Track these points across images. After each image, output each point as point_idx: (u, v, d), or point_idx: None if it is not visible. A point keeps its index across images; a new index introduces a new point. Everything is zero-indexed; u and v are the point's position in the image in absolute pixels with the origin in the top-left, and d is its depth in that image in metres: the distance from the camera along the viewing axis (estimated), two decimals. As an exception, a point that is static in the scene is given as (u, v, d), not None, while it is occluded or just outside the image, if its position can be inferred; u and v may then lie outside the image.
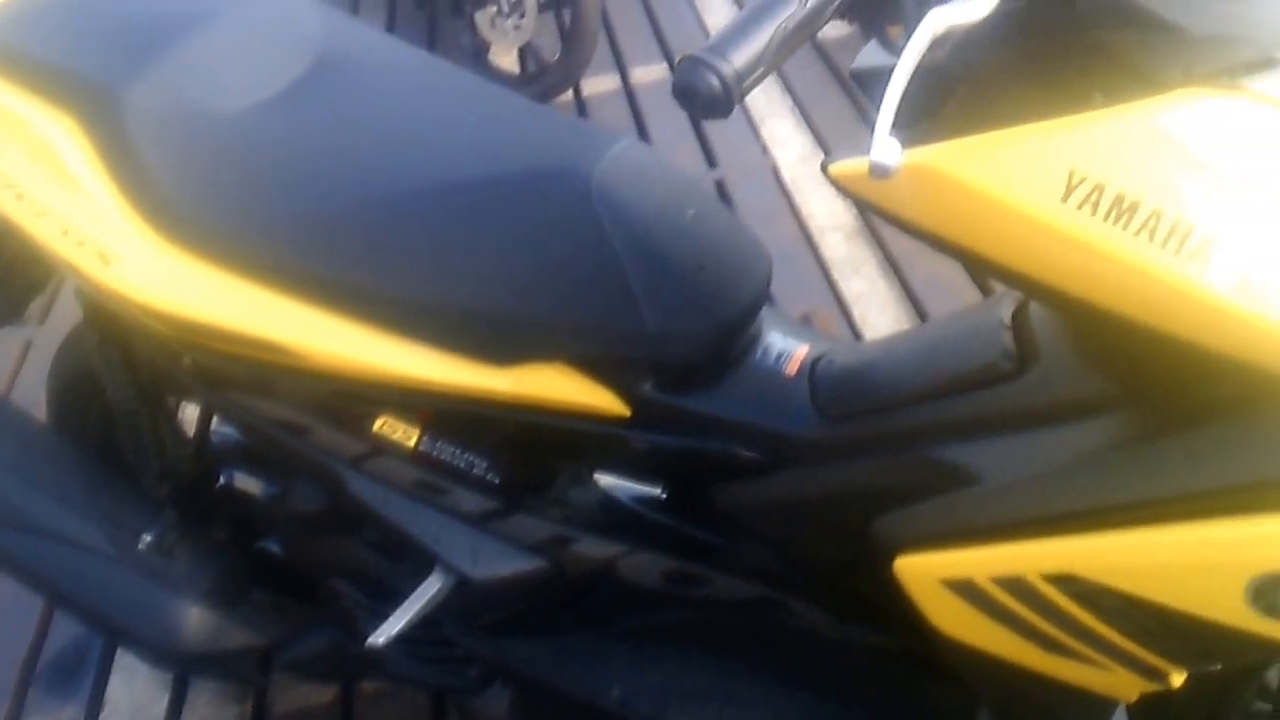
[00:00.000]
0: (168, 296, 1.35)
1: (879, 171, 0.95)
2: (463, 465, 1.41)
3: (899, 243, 2.78)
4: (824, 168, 1.06)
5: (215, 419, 1.64)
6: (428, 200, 1.32)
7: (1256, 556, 1.00)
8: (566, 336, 1.30)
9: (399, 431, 1.41)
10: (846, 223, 2.95)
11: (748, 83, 0.95)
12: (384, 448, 1.42)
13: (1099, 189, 0.93)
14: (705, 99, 0.94)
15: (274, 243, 1.33)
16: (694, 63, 0.94)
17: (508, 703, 1.56)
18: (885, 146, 0.94)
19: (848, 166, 1.02)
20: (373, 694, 1.95)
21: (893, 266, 2.79)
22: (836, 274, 2.80)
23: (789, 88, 3.47)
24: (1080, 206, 0.93)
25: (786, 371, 1.35)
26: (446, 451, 1.41)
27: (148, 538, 1.63)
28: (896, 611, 1.20)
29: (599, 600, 1.49)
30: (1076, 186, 0.94)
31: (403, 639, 1.45)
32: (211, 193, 1.35)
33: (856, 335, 2.61)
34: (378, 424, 1.41)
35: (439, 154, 1.37)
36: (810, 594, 1.37)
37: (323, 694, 1.96)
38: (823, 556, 1.33)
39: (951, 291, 2.62)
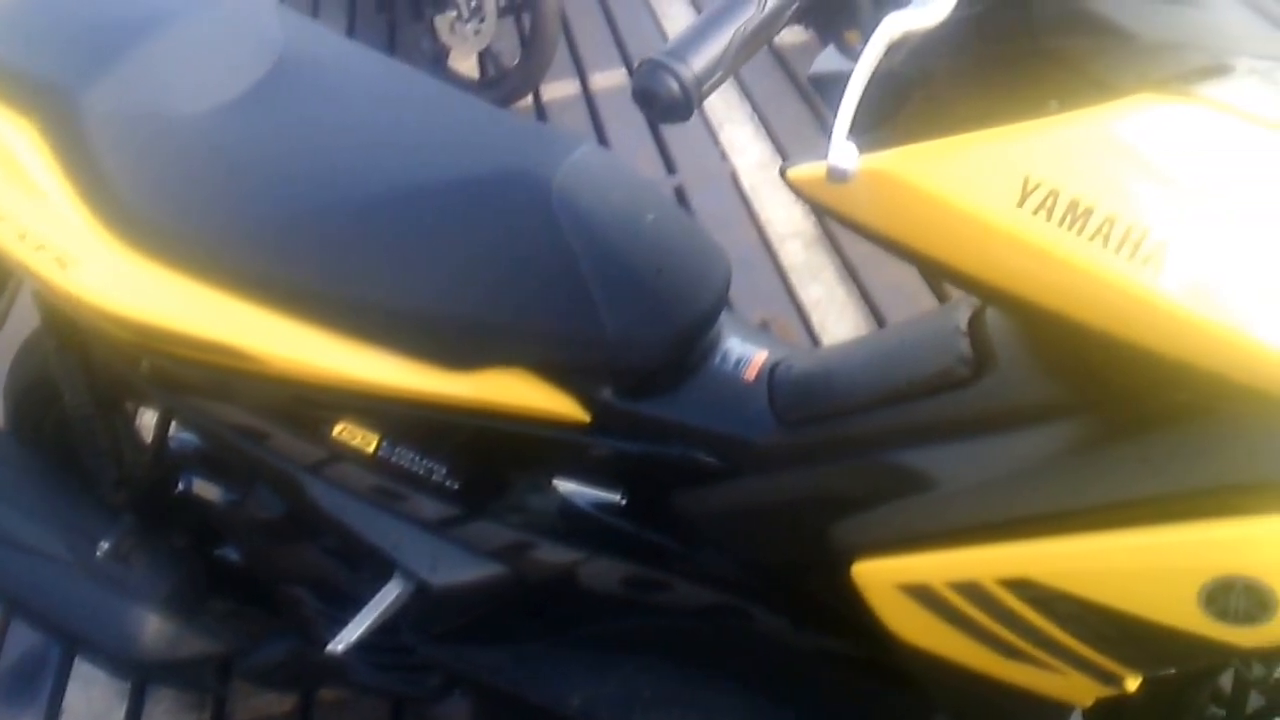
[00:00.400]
0: (125, 301, 1.33)
1: (836, 176, 0.94)
2: (422, 471, 1.39)
3: (857, 249, 2.78)
4: (782, 172, 1.05)
5: (174, 425, 1.61)
6: (387, 205, 1.30)
7: (1209, 561, 0.99)
8: (526, 342, 1.29)
9: (358, 437, 1.39)
10: (805, 229, 2.94)
11: (706, 86, 0.94)
12: (343, 454, 1.40)
13: (1054, 194, 0.92)
14: (665, 103, 0.93)
15: (233, 247, 1.31)
16: (653, 66, 0.93)
17: (467, 711, 1.54)
18: (842, 151, 0.93)
19: (806, 171, 1.01)
20: (332, 702, 1.92)
21: (851, 273, 2.78)
22: (795, 280, 2.79)
23: (748, 94, 3.47)
24: (1035, 212, 0.93)
25: (745, 377, 1.34)
26: (406, 457, 1.39)
27: (105, 545, 1.60)
28: (854, 617, 1.19)
29: (559, 607, 1.47)
30: (1031, 192, 0.93)
31: (362, 646, 1.42)
32: (170, 196, 1.33)
33: (815, 341, 2.60)
34: (337, 430, 1.39)
35: (398, 158, 1.35)
36: (770, 600, 1.36)
37: (282, 702, 1.93)
38: (782, 562, 1.33)
39: (909, 298, 2.62)
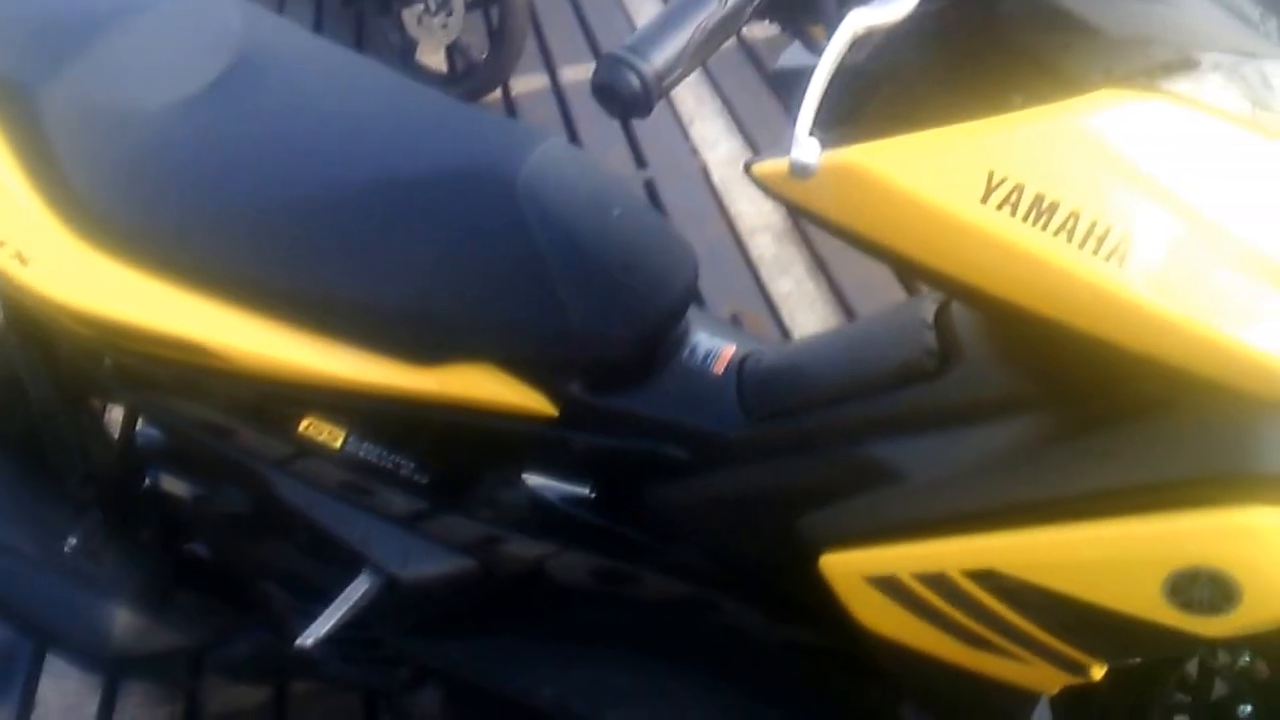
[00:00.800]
0: (87, 297, 1.31)
1: (799, 171, 0.93)
2: (390, 466, 1.37)
3: (827, 243, 2.77)
4: (747, 167, 1.04)
5: (140, 420, 1.59)
6: (351, 200, 1.29)
7: (1173, 552, 0.99)
8: (492, 337, 1.27)
9: (325, 433, 1.37)
10: (775, 223, 2.94)
11: (667, 82, 0.92)
12: (310, 449, 1.38)
13: (1018, 189, 0.92)
14: (625, 98, 0.92)
15: (194, 243, 1.29)
16: (614, 61, 0.92)
17: (439, 703, 1.53)
18: (805, 146, 0.93)
19: (770, 166, 1.01)
20: (305, 695, 1.90)
21: (821, 267, 2.78)
22: (765, 274, 2.79)
23: (718, 89, 3.46)
24: (1000, 207, 0.92)
25: (714, 371, 1.33)
26: (373, 452, 1.37)
27: (73, 541, 1.58)
28: (823, 609, 1.19)
29: (529, 600, 1.46)
30: (996, 187, 0.92)
31: (333, 640, 1.41)
32: (131, 192, 1.31)
33: (785, 335, 2.60)
34: (303, 425, 1.37)
35: (363, 153, 1.34)
36: (739, 592, 1.36)
37: (254, 695, 1.91)
38: (751, 554, 1.32)
39: (879, 292, 2.61)
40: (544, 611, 1.47)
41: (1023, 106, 0.94)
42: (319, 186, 1.30)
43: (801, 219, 2.52)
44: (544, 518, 1.39)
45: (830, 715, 1.40)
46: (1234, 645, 1.20)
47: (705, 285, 2.72)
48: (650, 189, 3.10)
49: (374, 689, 1.70)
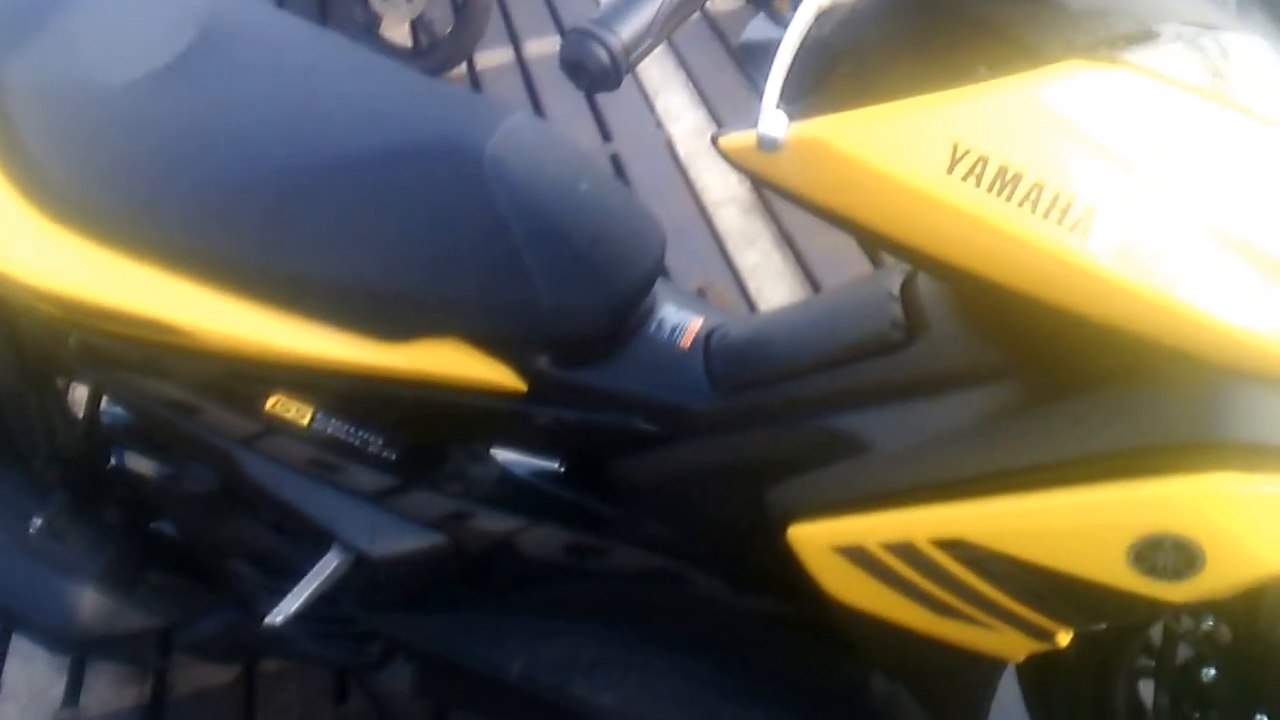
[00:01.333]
0: (51, 275, 1.30)
1: (766, 144, 0.93)
2: (358, 442, 1.36)
3: (793, 216, 2.77)
4: (714, 141, 1.04)
5: (105, 399, 1.58)
6: (316, 176, 1.28)
7: (1138, 520, 1.00)
8: (460, 312, 1.27)
9: (292, 410, 1.36)
10: (741, 196, 2.94)
11: (635, 55, 0.92)
12: (277, 427, 1.37)
13: (983, 161, 0.92)
14: (593, 72, 0.91)
15: (158, 220, 1.27)
16: (581, 36, 0.91)
17: (409, 678, 1.52)
18: (772, 119, 0.92)
19: (737, 139, 1.00)
20: (275, 673, 1.90)
21: (787, 240, 2.78)
22: (731, 247, 2.79)
23: (683, 62, 3.45)
24: (965, 178, 0.92)
25: (681, 344, 1.33)
26: (341, 429, 1.36)
27: (38, 521, 1.56)
28: (793, 580, 1.19)
29: (499, 574, 1.46)
30: (961, 159, 0.93)
31: (302, 617, 1.41)
32: (94, 170, 1.29)
33: (751, 308, 2.60)
34: (270, 403, 1.36)
35: (327, 129, 1.32)
36: (709, 564, 1.36)
37: (224, 674, 1.90)
38: (720, 527, 1.32)
39: (845, 264, 2.61)
40: (514, 586, 1.47)
41: (987, 78, 0.94)
42: (283, 163, 1.28)
43: (767, 191, 2.52)
44: (513, 492, 1.39)
45: (800, 685, 1.41)
46: (1197, 610, 1.21)
47: (672, 258, 2.72)
48: (616, 163, 3.09)
49: (344, 665, 1.69)
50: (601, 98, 3.28)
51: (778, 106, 0.93)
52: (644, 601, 1.44)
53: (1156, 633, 1.28)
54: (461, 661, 1.46)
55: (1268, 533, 0.98)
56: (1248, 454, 0.97)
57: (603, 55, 0.91)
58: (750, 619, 1.39)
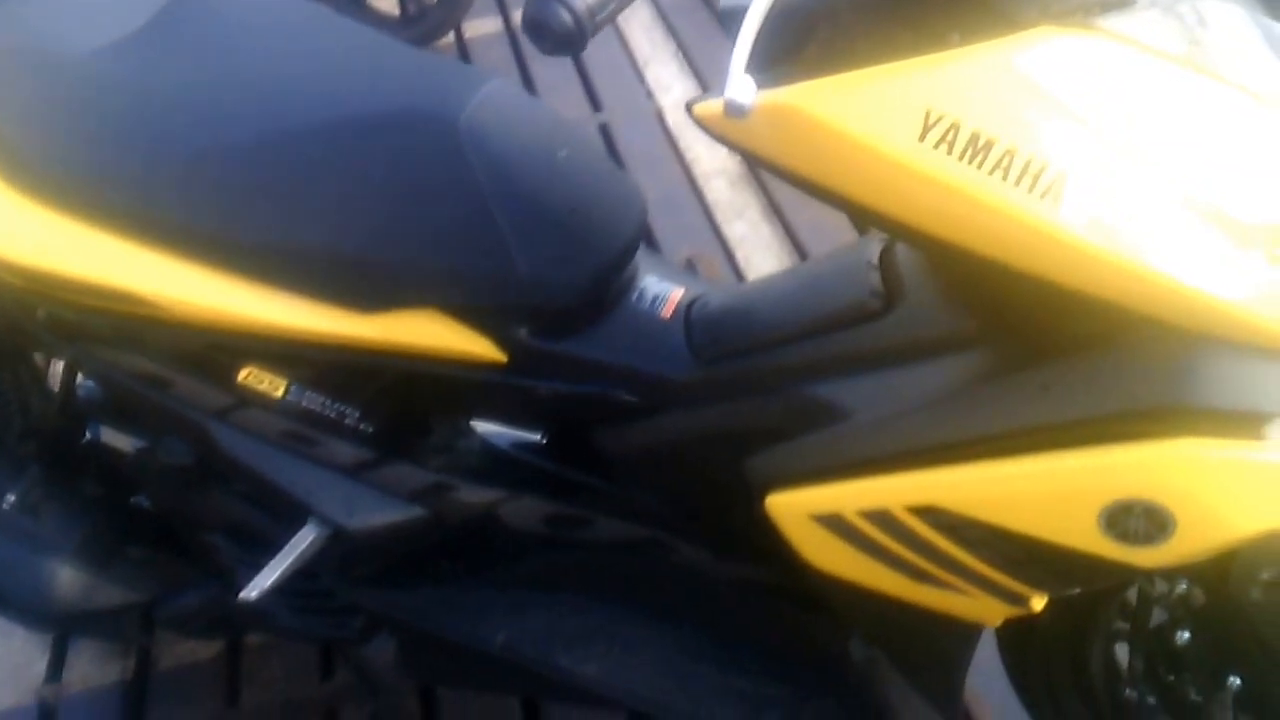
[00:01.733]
0: (15, 246, 1.30)
1: (734, 110, 0.95)
2: (334, 415, 1.38)
3: (782, 188, 2.75)
4: (689, 108, 1.06)
5: (81, 374, 1.59)
6: (289, 143, 1.28)
7: (1109, 485, 1.03)
8: (436, 283, 1.27)
9: (266, 382, 1.37)
10: (730, 167, 2.95)
11: (600, 17, 0.93)
12: (251, 399, 1.38)
13: (955, 128, 0.94)
14: (557, 34, 0.92)
15: (127, 190, 1.28)
16: None
17: (392, 652, 1.55)
18: (740, 85, 0.94)
19: (709, 106, 1.02)
20: (260, 648, 1.92)
21: (776, 211, 2.79)
22: (720, 218, 2.80)
23: (673, 31, 3.45)
24: (936, 146, 0.94)
25: (662, 314, 1.34)
26: (316, 401, 1.37)
27: (11, 497, 1.58)
28: (773, 548, 1.22)
29: (481, 547, 1.48)
30: (933, 126, 0.94)
31: (283, 591, 1.43)
32: (60, 138, 1.30)
33: (740, 279, 2.61)
34: (243, 375, 1.37)
35: (300, 96, 1.33)
36: (690, 534, 1.38)
37: (208, 650, 1.93)
38: (701, 496, 1.34)
39: (833, 235, 2.63)
40: (496, 558, 1.49)
41: (960, 44, 0.96)
42: (256, 130, 1.29)
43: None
44: (494, 464, 1.40)
45: (781, 652, 1.44)
46: (1170, 574, 1.24)
47: (661, 229, 2.77)
48: (605, 133, 3.10)
49: (327, 640, 1.71)
50: (591, 68, 3.29)
51: (747, 72, 0.94)
52: (627, 571, 1.46)
53: (1131, 597, 1.30)
54: (444, 634, 1.48)
55: (1236, 498, 1.00)
56: (1216, 420, 0.99)
57: (566, 17, 0.92)
58: (732, 587, 1.42)
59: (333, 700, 1.84)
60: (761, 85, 0.97)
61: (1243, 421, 0.99)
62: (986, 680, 1.55)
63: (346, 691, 1.84)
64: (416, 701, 1.82)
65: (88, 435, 1.63)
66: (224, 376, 1.38)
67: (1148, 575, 1.25)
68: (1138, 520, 1.02)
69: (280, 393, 1.38)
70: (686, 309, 1.35)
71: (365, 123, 1.30)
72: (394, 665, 1.55)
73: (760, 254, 2.69)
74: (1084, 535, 1.05)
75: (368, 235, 1.27)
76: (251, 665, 1.91)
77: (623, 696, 1.45)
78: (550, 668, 1.45)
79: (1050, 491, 1.06)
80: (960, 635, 1.27)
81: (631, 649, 1.45)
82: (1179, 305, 0.95)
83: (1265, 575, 1.15)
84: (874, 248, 1.26)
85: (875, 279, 1.22)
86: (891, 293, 1.20)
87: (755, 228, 2.77)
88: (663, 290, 1.37)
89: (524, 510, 1.40)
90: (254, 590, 1.39)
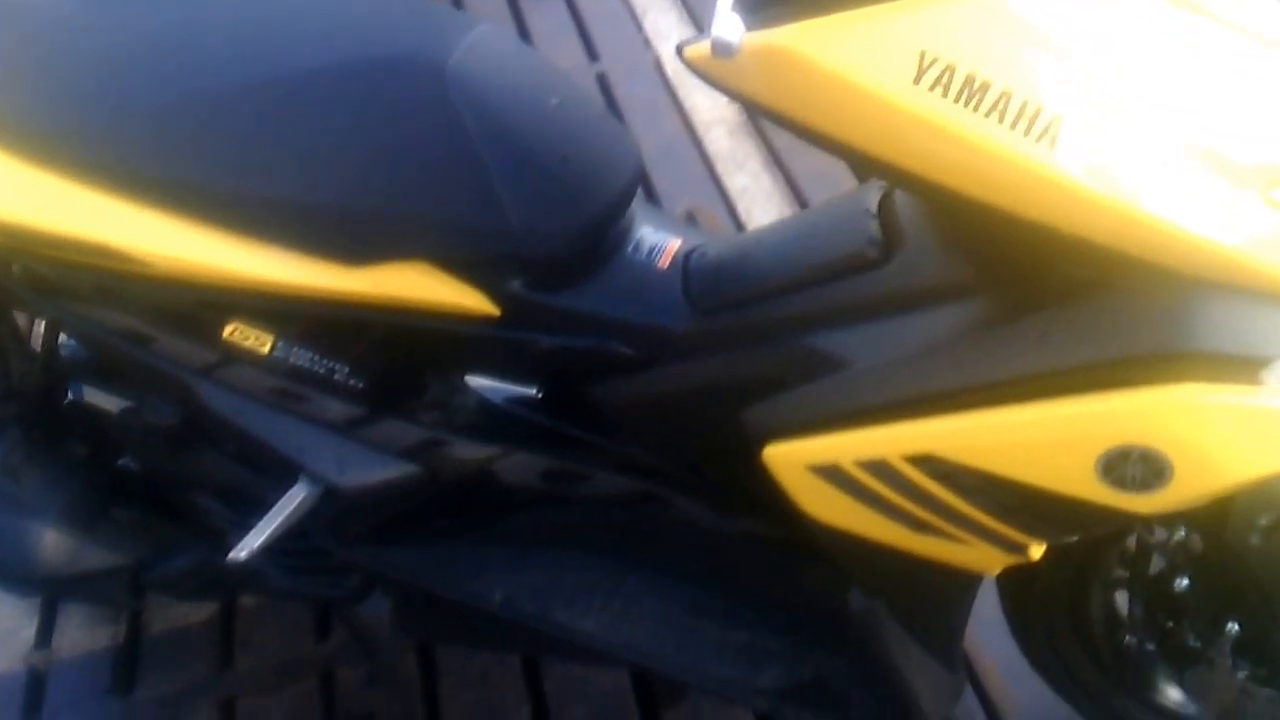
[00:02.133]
0: None
1: (721, 49, 0.96)
2: (323, 371, 1.38)
3: (782, 137, 2.78)
4: (679, 50, 1.07)
5: (63, 333, 1.60)
6: (272, 91, 1.28)
7: (1106, 431, 1.05)
8: (425, 234, 1.28)
9: (251, 338, 1.37)
10: (730, 117, 2.95)
11: None
12: (236, 356, 1.38)
13: (950, 70, 0.95)
14: None
15: (103, 141, 1.28)
16: None
17: (388, 611, 1.57)
18: (727, 23, 0.95)
19: (700, 48, 1.03)
20: (254, 610, 1.94)
21: (776, 161, 2.79)
22: (721, 169, 2.80)
23: (670, -22, 3.44)
24: (932, 88, 0.95)
25: (659, 265, 1.35)
26: (304, 357, 1.38)
27: (-10, 460, 1.58)
28: (772, 500, 1.24)
29: (477, 504, 1.49)
30: (928, 68, 0.95)
31: (275, 551, 1.44)
32: (31, 88, 1.30)
33: (740, 230, 2.62)
34: (228, 331, 1.37)
35: (284, 42, 1.33)
36: (688, 487, 1.40)
37: (200, 613, 1.95)
38: (699, 449, 1.36)
39: (835, 185, 2.62)
40: (492, 514, 1.50)
41: None
42: (234, 78, 1.29)
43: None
44: (489, 420, 1.41)
45: (781, 604, 1.46)
46: (1169, 521, 1.27)
47: (660, 181, 2.77)
48: (603, 83, 3.09)
49: (321, 600, 1.73)
50: (588, 16, 3.28)
51: (736, 12, 0.95)
52: (624, 527, 1.47)
53: (1130, 544, 1.33)
54: (440, 592, 1.49)
55: (1233, 443, 1.03)
56: (1213, 365, 1.02)
57: None
58: (730, 541, 1.43)
59: (328, 662, 1.86)
60: (752, 26, 0.98)
61: (1240, 366, 1.02)
62: (989, 632, 1.59)
63: (342, 652, 1.86)
64: (414, 661, 1.84)
65: (70, 396, 1.63)
66: (208, 333, 1.38)
67: (1146, 522, 1.27)
68: (1135, 467, 1.04)
69: (267, 349, 1.38)
70: (684, 260, 1.35)
71: (349, 68, 1.29)
72: (389, 625, 1.57)
73: (761, 206, 2.69)
74: (1081, 482, 1.07)
75: (352, 185, 1.27)
76: (245, 628, 1.94)
77: (622, 652, 1.48)
78: (548, 624, 1.47)
79: (1048, 439, 1.08)
80: (959, 585, 1.30)
81: (630, 604, 1.47)
82: (1176, 250, 0.97)
83: (1263, 521, 1.18)
84: (873, 196, 1.27)
85: (874, 227, 1.23)
86: (890, 241, 1.21)
87: (756, 179, 2.77)
88: (659, 241, 1.37)
89: (519, 466, 1.41)
90: (244, 551, 1.40)
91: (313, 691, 1.83)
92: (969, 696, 1.72)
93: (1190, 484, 1.05)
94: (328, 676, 1.86)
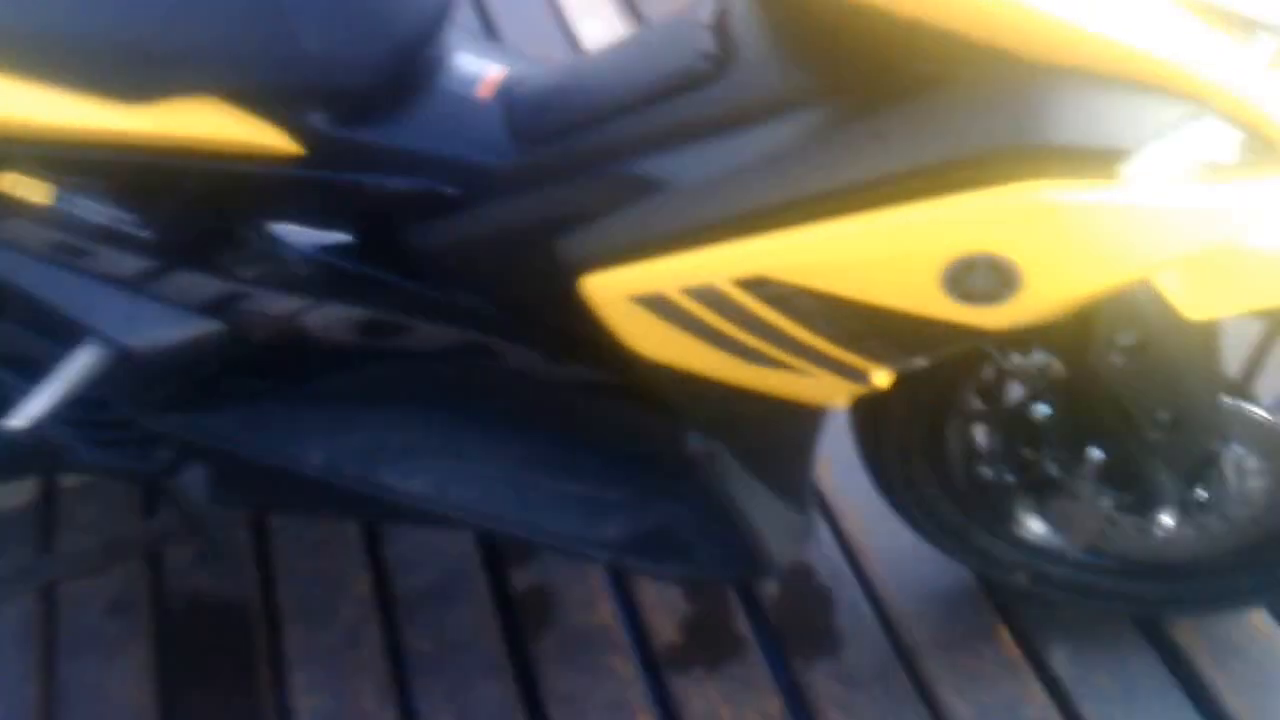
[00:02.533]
0: None
1: None
2: (108, 221, 1.26)
3: (636, -18, 2.68)
4: None
5: None
6: None
7: (948, 240, 0.97)
8: (209, 65, 1.17)
9: (29, 189, 1.25)
10: (581, -40, 2.82)
11: None
12: (12, 209, 1.26)
13: None
14: None
15: None
16: None
17: (206, 481, 1.46)
18: None
19: None
20: (77, 491, 1.82)
21: (630, 6, 2.70)
22: (570, 17, 2.69)
23: None
24: None
25: (478, 95, 1.26)
26: (87, 208, 1.26)
27: None
28: (600, 342, 1.16)
29: (290, 362, 1.40)
30: None
31: (77, 423, 1.35)
32: None
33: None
34: (3, 183, 1.25)
35: None
36: (516, 334, 1.32)
37: (18, 496, 1.81)
38: (524, 291, 1.27)
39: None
40: (309, 373, 1.41)
41: None
42: None
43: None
44: (296, 269, 1.31)
45: (619, 455, 1.40)
46: (1026, 344, 1.21)
47: (508, 33, 2.63)
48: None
49: (135, 474, 1.61)
50: None
51: None
52: (452, 380, 1.40)
53: (990, 373, 1.27)
54: (257, 458, 1.41)
55: (1086, 246, 0.95)
56: (1065, 160, 0.93)
57: None
58: (564, 390, 1.37)
59: (155, 541, 1.75)
60: None
61: (1094, 161, 0.93)
62: (846, 472, 1.54)
63: (170, 530, 1.72)
64: (248, 535, 1.75)
65: None
66: None
67: (1000, 345, 1.21)
68: (981, 277, 0.97)
69: (47, 200, 1.26)
70: (507, 90, 1.26)
71: None
72: (208, 496, 1.46)
73: (613, 52, 2.57)
74: (925, 298, 0.99)
75: (122, 11, 1.15)
76: (68, 508, 1.81)
77: (456, 512, 1.40)
78: (374, 486, 1.39)
79: (886, 251, 1.00)
80: (802, 420, 1.24)
81: (462, 462, 1.40)
82: (1022, 30, 0.89)
83: (1126, 339, 1.11)
84: (708, 9, 1.17)
85: (707, 40, 1.13)
86: (725, 54, 1.12)
87: (610, 25, 2.67)
88: (478, 69, 1.28)
89: (333, 319, 1.32)
90: (21, 418, 1.28)
91: (140, 573, 1.72)
92: (827, 538, 1.66)
93: (1042, 294, 0.97)
94: (156, 557, 1.74)
